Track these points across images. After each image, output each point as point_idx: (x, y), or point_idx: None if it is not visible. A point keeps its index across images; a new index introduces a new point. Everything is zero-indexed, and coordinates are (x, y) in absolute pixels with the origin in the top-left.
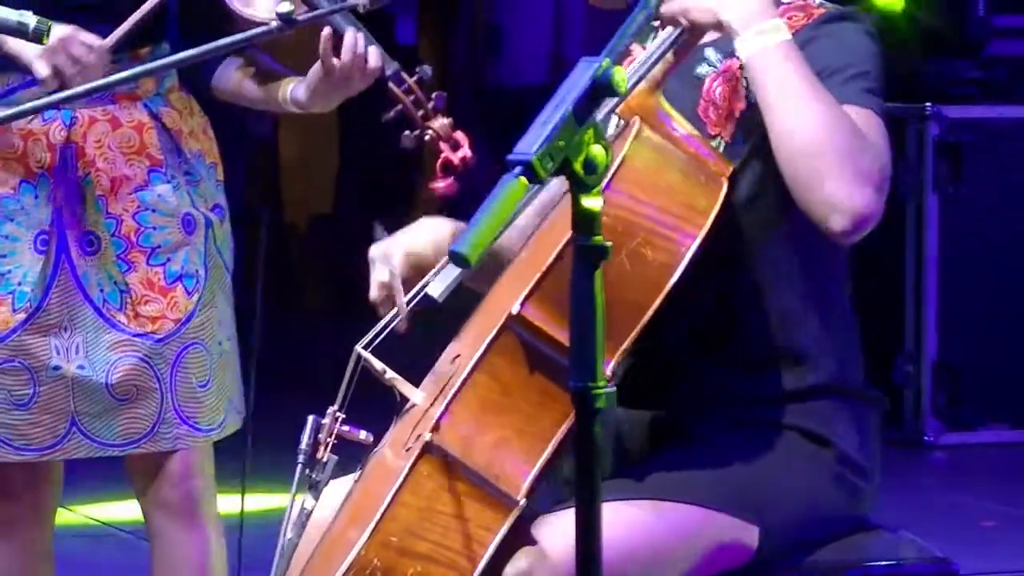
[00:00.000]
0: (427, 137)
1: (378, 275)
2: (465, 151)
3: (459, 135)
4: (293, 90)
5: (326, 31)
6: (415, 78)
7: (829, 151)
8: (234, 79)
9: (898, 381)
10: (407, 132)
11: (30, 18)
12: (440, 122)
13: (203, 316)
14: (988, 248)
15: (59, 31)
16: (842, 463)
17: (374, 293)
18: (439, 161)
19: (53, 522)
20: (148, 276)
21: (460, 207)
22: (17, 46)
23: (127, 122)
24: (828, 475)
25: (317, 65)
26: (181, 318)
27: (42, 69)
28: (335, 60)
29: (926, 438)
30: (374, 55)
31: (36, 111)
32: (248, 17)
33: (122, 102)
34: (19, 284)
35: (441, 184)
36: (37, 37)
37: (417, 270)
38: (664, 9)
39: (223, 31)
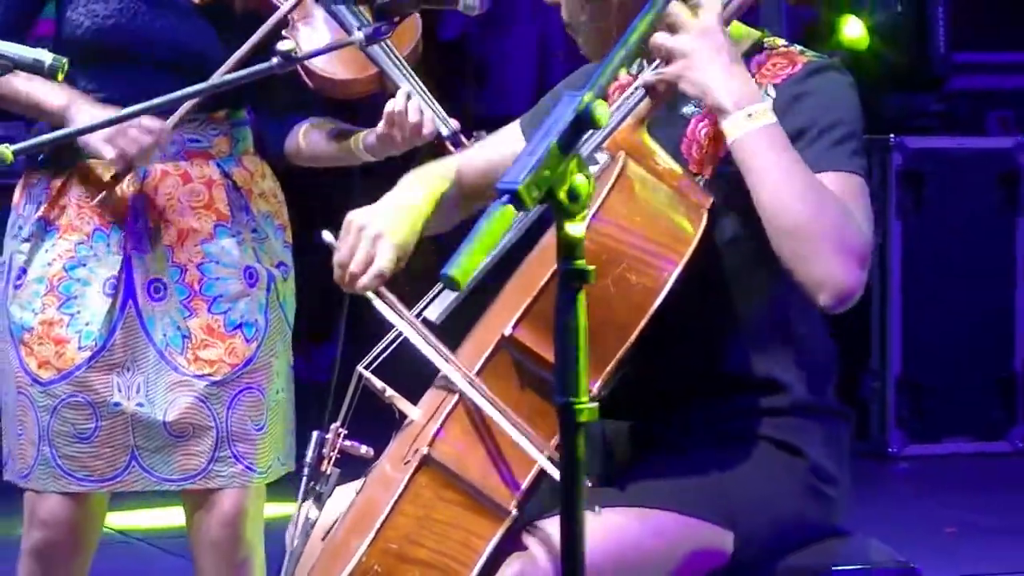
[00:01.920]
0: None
1: (363, 259)
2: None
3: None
4: (366, 138)
5: (389, 106)
6: (472, 141)
7: (814, 234)
8: (311, 141)
9: (864, 396)
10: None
11: (45, 55)
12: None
13: (261, 363)
14: (948, 272)
15: (120, 124)
16: (813, 473)
17: (355, 269)
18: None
19: (92, 552)
20: (209, 323)
21: None
22: (84, 137)
23: (197, 178)
24: (800, 484)
25: (382, 123)
26: (239, 363)
27: (108, 152)
28: (393, 132)
29: (890, 450)
30: (428, 124)
31: (58, 140)
32: (328, 76)
33: (195, 159)
34: (87, 324)
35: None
36: (52, 73)
37: (399, 264)
38: (665, 72)
39: (299, 99)
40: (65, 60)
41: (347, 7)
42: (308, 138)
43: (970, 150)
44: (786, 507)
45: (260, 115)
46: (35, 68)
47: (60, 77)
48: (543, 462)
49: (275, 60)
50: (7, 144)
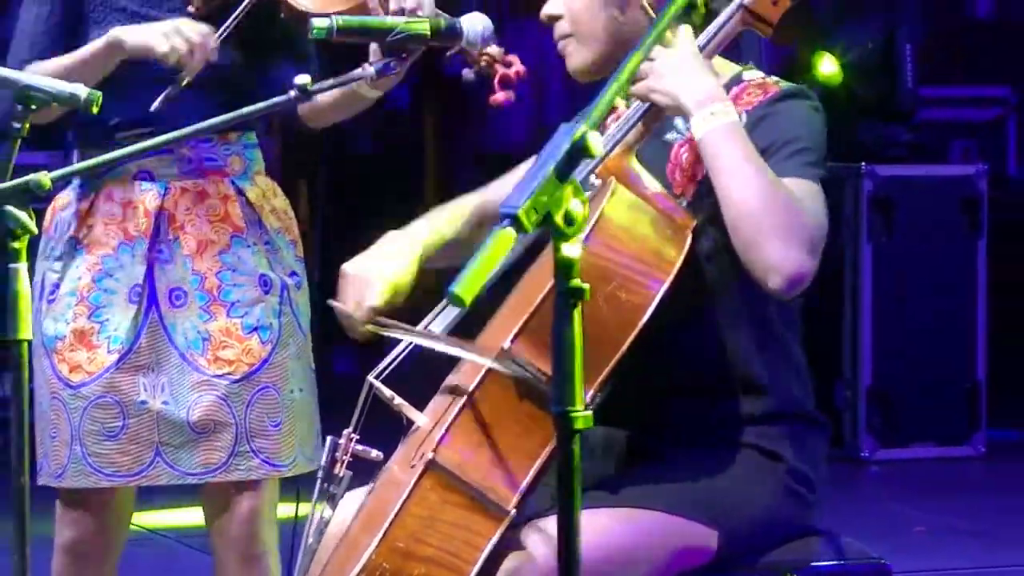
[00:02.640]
0: (484, 63)
1: (355, 300)
2: (518, 66)
3: (510, 56)
4: (363, 71)
5: None
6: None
7: (766, 219)
8: (315, 102)
9: (838, 405)
10: (466, 69)
11: (81, 89)
12: (494, 48)
13: (276, 364)
14: (915, 290)
15: (175, 21)
16: (792, 477)
17: (351, 310)
18: (497, 78)
19: (120, 551)
20: (227, 326)
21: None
22: (139, 41)
23: (214, 194)
24: (779, 487)
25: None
26: (255, 363)
27: (162, 46)
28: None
29: (862, 454)
30: (428, 3)
31: (134, 153)
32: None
33: (211, 177)
34: (115, 330)
35: (501, 96)
36: (87, 106)
37: (395, 298)
38: (633, 90)
39: (299, 51)
40: (99, 93)
41: None
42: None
43: (936, 177)
44: (766, 508)
45: (280, 74)
46: (72, 101)
47: (95, 110)
48: None
49: (292, 93)
50: (45, 171)
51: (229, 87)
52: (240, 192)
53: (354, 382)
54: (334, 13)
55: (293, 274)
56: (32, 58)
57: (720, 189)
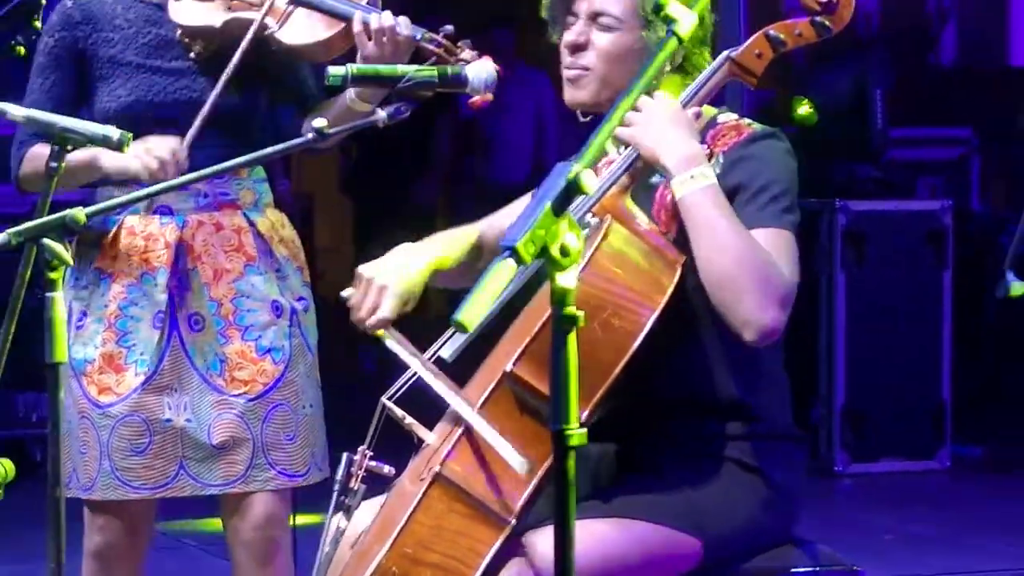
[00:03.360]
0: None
1: (370, 306)
2: (479, 96)
3: (485, 58)
4: (352, 91)
5: (356, 23)
6: (441, 33)
7: (741, 280)
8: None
9: (813, 422)
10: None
11: (113, 131)
12: (469, 54)
13: (288, 382)
14: (885, 316)
15: (146, 140)
16: (771, 489)
17: (363, 315)
18: None
19: (144, 554)
20: (242, 348)
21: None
22: (114, 164)
23: (228, 226)
24: (760, 499)
25: (359, 57)
26: (269, 382)
27: (135, 167)
28: (370, 43)
29: (836, 468)
30: (404, 23)
31: (151, 195)
32: (314, 48)
33: (225, 210)
34: (140, 354)
35: (479, 99)
36: (119, 146)
37: (404, 307)
38: (617, 132)
39: (305, 91)
40: (130, 135)
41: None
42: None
43: (904, 212)
44: (748, 518)
45: (282, 113)
46: (105, 142)
47: (126, 149)
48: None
49: (310, 135)
50: (80, 207)
51: (236, 125)
52: (251, 224)
53: (380, 379)
54: (320, 43)
55: (301, 299)
56: (36, 132)
57: (698, 249)
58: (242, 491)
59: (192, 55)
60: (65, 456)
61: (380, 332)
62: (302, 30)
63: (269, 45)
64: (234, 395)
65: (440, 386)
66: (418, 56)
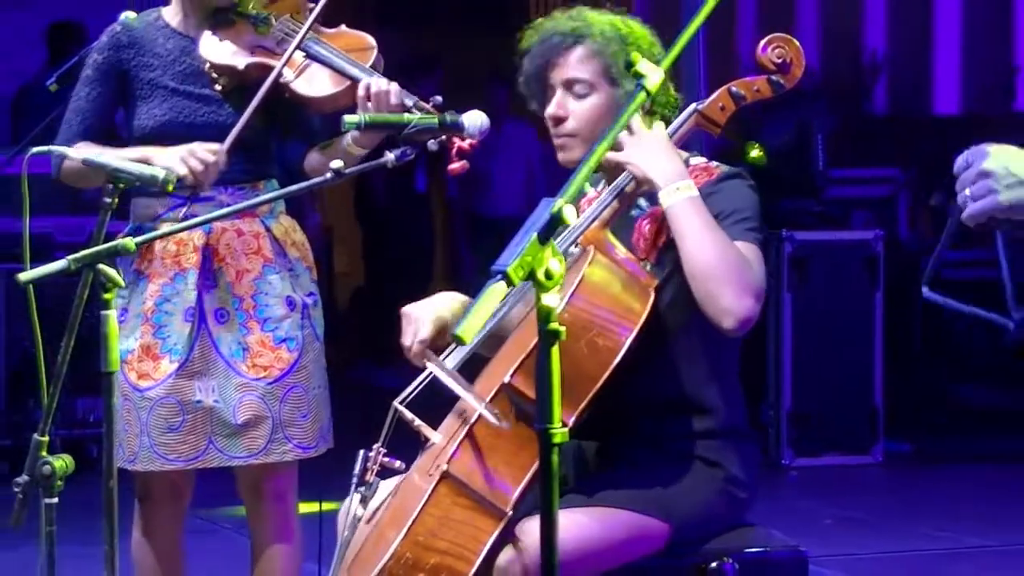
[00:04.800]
0: (444, 137)
1: (412, 333)
2: (472, 140)
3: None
4: (349, 137)
5: (360, 88)
6: (431, 104)
7: (721, 273)
8: (316, 157)
9: (764, 423)
10: (431, 140)
11: (159, 171)
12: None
13: (301, 368)
14: (826, 330)
15: (190, 144)
16: (728, 481)
17: (407, 343)
18: (453, 150)
19: (184, 523)
20: (262, 339)
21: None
22: (164, 166)
23: (248, 232)
24: (719, 489)
25: (359, 111)
26: (285, 368)
27: (181, 169)
28: (368, 104)
29: (783, 462)
30: (395, 92)
31: (187, 228)
32: (323, 100)
33: (245, 218)
34: (174, 344)
35: (457, 165)
36: (164, 185)
37: (441, 331)
38: (609, 155)
39: (310, 128)
40: (175, 175)
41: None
42: (317, 155)
43: (842, 241)
44: (708, 506)
45: (291, 145)
46: (152, 182)
47: (170, 188)
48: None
49: (329, 175)
50: (131, 237)
51: (254, 149)
52: (268, 229)
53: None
54: (327, 97)
55: (311, 294)
56: (82, 133)
57: (684, 250)
58: (263, 462)
59: (217, 87)
60: (115, 442)
61: (423, 360)
62: (314, 83)
63: (284, 92)
64: (255, 379)
65: (453, 384)
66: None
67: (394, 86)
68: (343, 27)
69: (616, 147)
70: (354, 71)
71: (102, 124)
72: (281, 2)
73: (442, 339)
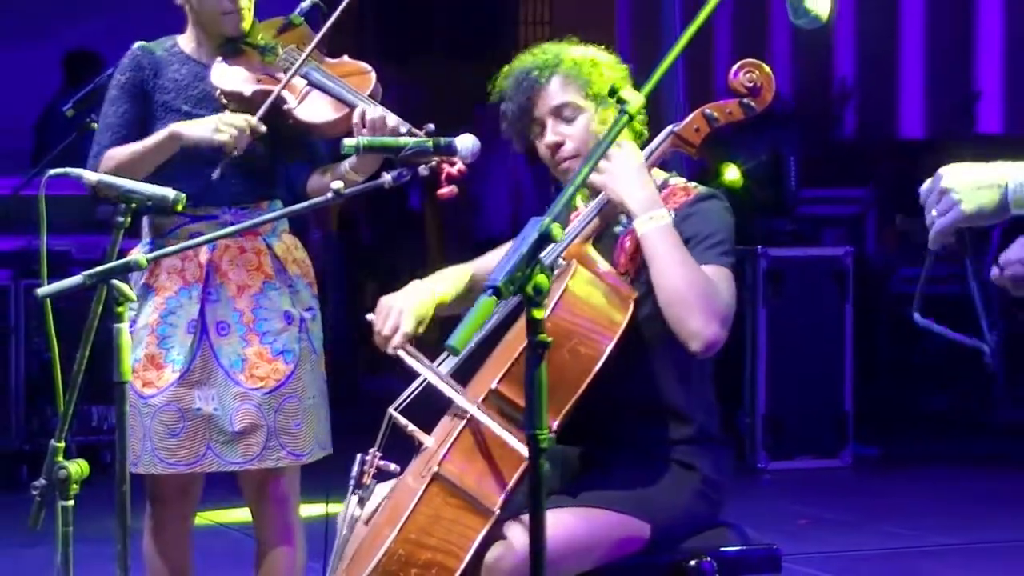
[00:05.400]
0: (435, 162)
1: (392, 325)
2: (460, 166)
3: (455, 157)
4: (348, 163)
5: (355, 115)
6: (424, 131)
7: (690, 299)
8: (317, 180)
9: (740, 428)
10: (422, 166)
11: (169, 192)
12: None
13: (297, 379)
14: (798, 342)
15: (221, 114)
16: (705, 483)
17: (387, 332)
18: (443, 176)
19: (192, 524)
20: (260, 351)
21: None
22: (195, 135)
23: (250, 249)
24: (696, 491)
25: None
26: (281, 379)
27: (218, 137)
28: (364, 130)
29: (759, 465)
30: (391, 118)
31: (195, 245)
32: (324, 125)
33: (247, 237)
34: (177, 355)
35: (446, 190)
36: (174, 205)
37: (419, 327)
38: (592, 178)
39: (313, 153)
40: (183, 196)
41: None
42: (319, 178)
43: (813, 256)
44: (687, 506)
45: (295, 168)
46: (162, 201)
47: (180, 208)
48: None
49: (329, 195)
50: (142, 253)
51: (257, 172)
52: (269, 247)
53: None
54: (326, 123)
55: (309, 308)
56: (111, 144)
57: (655, 276)
58: (257, 468)
59: (228, 112)
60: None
61: (400, 351)
62: (314, 110)
63: (287, 118)
64: (252, 389)
65: (451, 391)
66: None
67: (389, 114)
68: (345, 57)
69: (598, 170)
70: (351, 98)
71: (131, 138)
72: (287, 34)
73: (418, 332)
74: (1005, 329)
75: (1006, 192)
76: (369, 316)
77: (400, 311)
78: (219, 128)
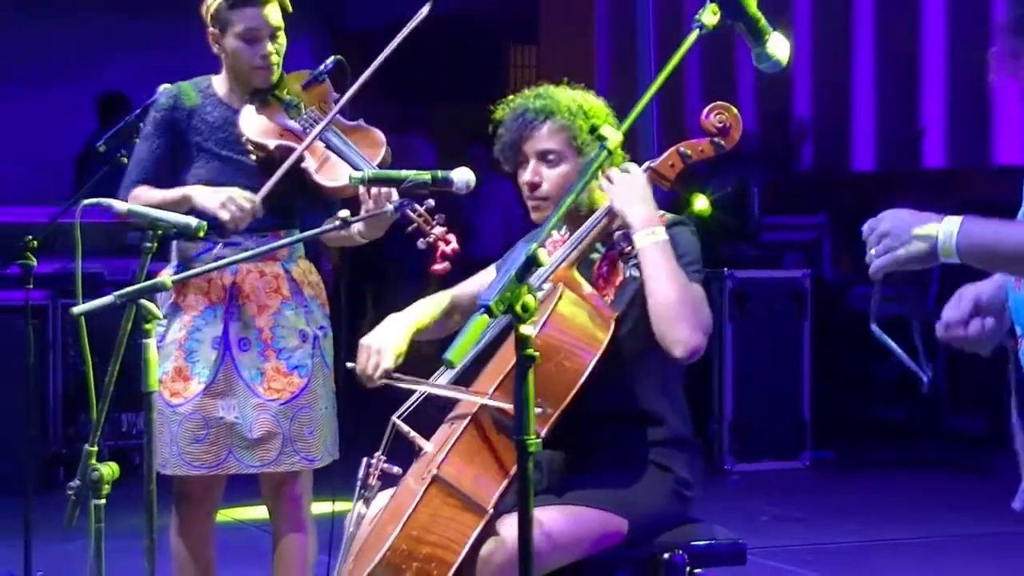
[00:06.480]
0: (432, 239)
1: (374, 365)
2: (454, 245)
3: (450, 235)
4: (385, 209)
5: (361, 192)
6: (424, 207)
7: (679, 309)
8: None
9: (709, 434)
10: (421, 238)
11: (192, 220)
12: (439, 229)
13: (310, 391)
14: (761, 356)
15: (230, 190)
16: (678, 483)
17: (370, 371)
18: (438, 253)
19: (215, 521)
20: (277, 365)
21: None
22: (204, 205)
23: (269, 273)
24: (669, 490)
25: (363, 209)
26: (296, 391)
27: (223, 215)
28: (369, 200)
29: (726, 467)
30: (394, 194)
31: (216, 268)
32: (337, 189)
33: (266, 262)
34: (202, 368)
35: (440, 267)
36: (196, 232)
37: (398, 360)
38: (603, 187)
39: (326, 207)
40: (205, 223)
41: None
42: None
43: (775, 278)
44: (661, 504)
45: (309, 215)
46: (186, 229)
47: (201, 234)
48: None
49: (336, 222)
50: (168, 275)
51: (277, 208)
52: (287, 271)
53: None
54: (339, 187)
55: (322, 327)
56: (141, 180)
57: (649, 286)
58: (273, 471)
59: (252, 158)
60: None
61: (386, 382)
62: (330, 174)
63: (306, 176)
64: (270, 400)
65: (455, 392)
66: (405, 219)
67: (393, 192)
68: (361, 121)
69: (609, 179)
70: (364, 166)
71: (159, 174)
72: (310, 92)
73: (397, 364)
74: (946, 349)
75: (935, 243)
76: (349, 364)
77: (379, 350)
78: (226, 205)
